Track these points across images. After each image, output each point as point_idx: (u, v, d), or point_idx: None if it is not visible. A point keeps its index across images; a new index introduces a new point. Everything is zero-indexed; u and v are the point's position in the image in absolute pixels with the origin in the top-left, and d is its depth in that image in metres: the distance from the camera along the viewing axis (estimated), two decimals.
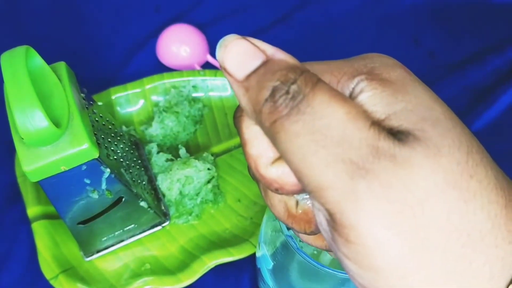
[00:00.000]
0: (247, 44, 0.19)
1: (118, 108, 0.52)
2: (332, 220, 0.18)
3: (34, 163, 0.34)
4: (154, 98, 0.53)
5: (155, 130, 0.50)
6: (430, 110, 0.18)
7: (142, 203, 0.42)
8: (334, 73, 0.20)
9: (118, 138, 0.44)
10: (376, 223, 0.17)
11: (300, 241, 0.35)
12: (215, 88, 0.53)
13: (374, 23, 0.61)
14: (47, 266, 0.43)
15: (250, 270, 0.45)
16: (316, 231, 0.21)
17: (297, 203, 0.21)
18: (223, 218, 0.47)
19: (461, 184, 0.17)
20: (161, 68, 0.57)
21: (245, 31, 0.60)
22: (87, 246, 0.44)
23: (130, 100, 0.52)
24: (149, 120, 0.52)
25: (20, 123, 0.32)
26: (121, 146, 0.43)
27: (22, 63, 0.32)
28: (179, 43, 0.57)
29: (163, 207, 0.46)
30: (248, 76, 0.19)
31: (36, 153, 0.34)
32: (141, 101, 0.53)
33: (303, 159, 0.17)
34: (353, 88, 0.19)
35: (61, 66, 0.37)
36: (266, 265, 0.33)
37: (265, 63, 0.19)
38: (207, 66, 0.58)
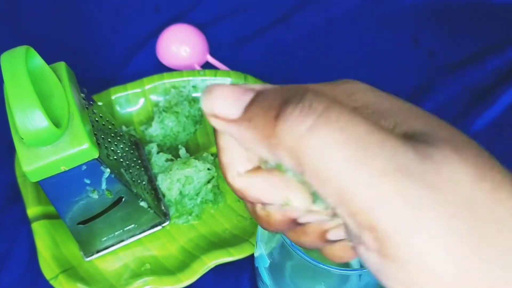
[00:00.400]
0: (231, 85, 0.19)
1: (118, 108, 0.52)
2: (381, 241, 0.16)
3: (34, 163, 0.34)
4: (154, 98, 0.53)
5: (155, 130, 0.50)
6: (423, 116, 0.18)
7: (142, 203, 0.42)
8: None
9: (118, 138, 0.44)
10: (435, 232, 0.16)
11: None
12: None
13: (374, 23, 0.61)
14: (47, 266, 0.43)
15: (249, 270, 0.45)
16: (277, 232, 0.22)
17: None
18: (223, 218, 0.47)
19: (486, 175, 0.17)
20: (161, 68, 0.57)
21: (245, 31, 0.60)
22: (87, 246, 0.44)
23: (130, 100, 0.52)
24: (149, 120, 0.52)
25: (20, 123, 0.32)
26: (121, 146, 0.43)
27: (22, 63, 0.32)
28: (179, 43, 0.57)
29: (163, 207, 0.46)
30: (248, 108, 0.18)
31: (36, 153, 0.34)
32: (141, 101, 0.53)
33: (350, 175, 0.16)
34: None
35: (61, 66, 0.37)
36: (263, 264, 0.33)
37: (260, 93, 0.18)
38: (207, 66, 0.58)
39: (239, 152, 0.20)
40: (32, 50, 0.35)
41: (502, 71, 0.57)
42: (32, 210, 0.45)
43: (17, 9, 0.63)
